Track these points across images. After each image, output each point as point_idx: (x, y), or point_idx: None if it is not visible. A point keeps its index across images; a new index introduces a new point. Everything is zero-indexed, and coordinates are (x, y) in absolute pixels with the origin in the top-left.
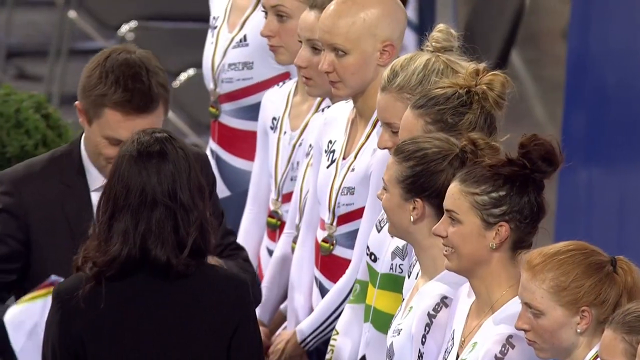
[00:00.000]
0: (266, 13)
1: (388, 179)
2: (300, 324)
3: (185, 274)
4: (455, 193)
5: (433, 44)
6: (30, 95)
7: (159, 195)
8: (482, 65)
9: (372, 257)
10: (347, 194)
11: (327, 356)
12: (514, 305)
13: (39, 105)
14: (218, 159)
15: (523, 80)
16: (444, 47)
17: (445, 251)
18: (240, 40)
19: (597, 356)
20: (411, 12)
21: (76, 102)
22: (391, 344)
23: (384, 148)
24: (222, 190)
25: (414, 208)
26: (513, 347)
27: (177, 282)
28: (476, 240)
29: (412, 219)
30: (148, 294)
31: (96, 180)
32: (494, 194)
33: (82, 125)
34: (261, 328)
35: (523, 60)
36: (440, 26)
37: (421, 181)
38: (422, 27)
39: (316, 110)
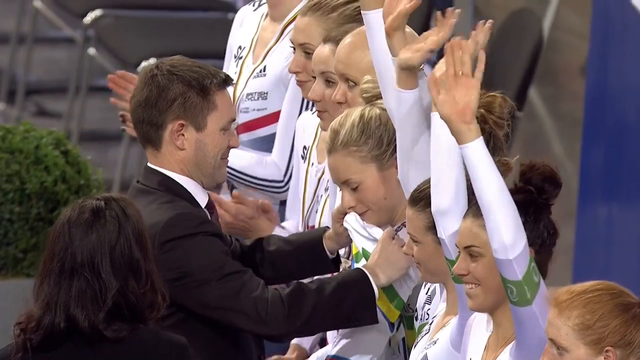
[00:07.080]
0: (294, 49)
1: (415, 231)
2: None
3: (116, 340)
4: (472, 228)
5: (363, 95)
6: (50, 132)
7: (78, 264)
8: None
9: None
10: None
11: None
12: None
13: (58, 141)
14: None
15: (541, 116)
16: (375, 95)
17: (470, 288)
18: (260, 71)
19: None
20: None
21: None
22: None
23: (351, 208)
24: None
25: None
26: None
27: (109, 349)
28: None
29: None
30: None
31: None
32: None
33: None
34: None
35: (541, 96)
36: (367, 77)
37: None
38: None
39: None
